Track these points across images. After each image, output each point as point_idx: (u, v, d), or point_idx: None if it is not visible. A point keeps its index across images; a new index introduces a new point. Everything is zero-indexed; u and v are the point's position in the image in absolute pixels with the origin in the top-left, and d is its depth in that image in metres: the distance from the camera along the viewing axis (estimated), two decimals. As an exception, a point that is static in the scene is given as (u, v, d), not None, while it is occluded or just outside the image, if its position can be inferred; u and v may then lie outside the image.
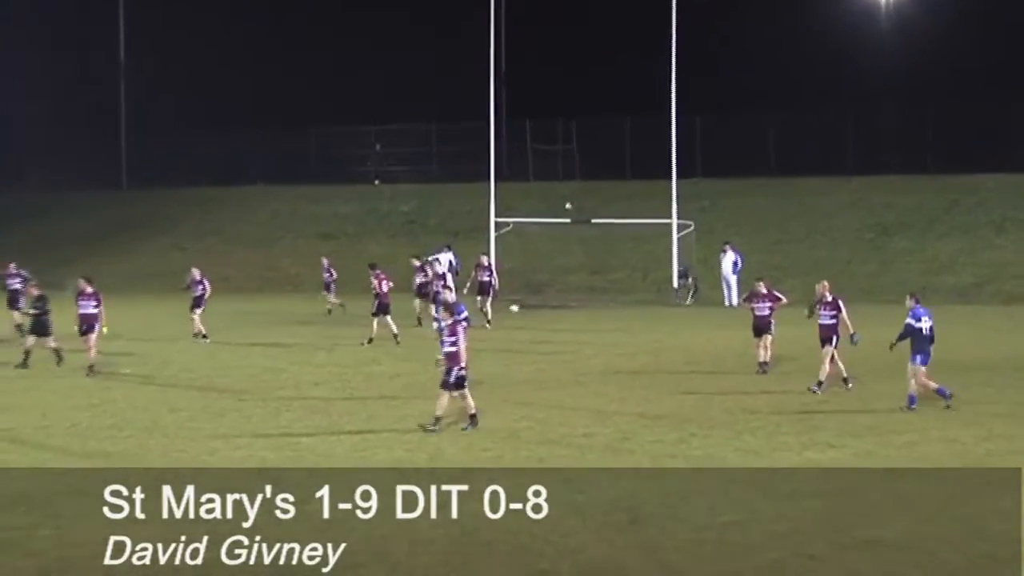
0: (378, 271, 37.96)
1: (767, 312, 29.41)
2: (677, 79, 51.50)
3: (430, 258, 48.42)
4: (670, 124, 51.92)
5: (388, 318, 36.47)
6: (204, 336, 37.36)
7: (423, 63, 69.64)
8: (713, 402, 25.63)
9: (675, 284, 51.48)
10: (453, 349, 22.14)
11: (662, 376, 29.74)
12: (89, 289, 30.88)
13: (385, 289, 36.97)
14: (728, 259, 50.32)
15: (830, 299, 26.91)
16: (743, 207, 59.80)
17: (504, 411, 24.51)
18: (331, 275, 46.55)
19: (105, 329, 31.08)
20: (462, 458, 19.89)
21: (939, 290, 50.54)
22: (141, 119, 73.70)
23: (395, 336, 36.15)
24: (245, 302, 51.15)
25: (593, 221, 56.51)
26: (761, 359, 29.55)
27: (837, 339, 26.63)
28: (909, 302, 24.89)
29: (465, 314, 25.64)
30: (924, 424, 22.96)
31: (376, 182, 69.96)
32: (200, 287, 37.88)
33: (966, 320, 42.60)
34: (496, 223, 54.19)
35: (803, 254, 55.18)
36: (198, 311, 37.67)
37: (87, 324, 30.53)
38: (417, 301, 40.94)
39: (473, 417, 22.22)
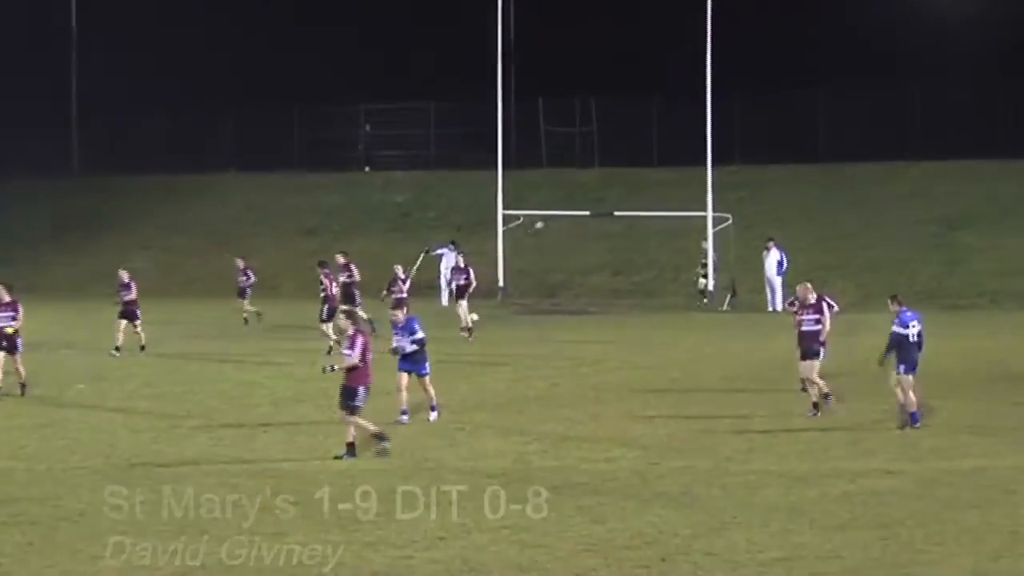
0: (327, 270, 38.14)
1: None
2: (713, 52, 51.53)
3: (434, 252, 48.27)
4: (705, 103, 51.99)
5: (328, 325, 36.47)
6: (117, 349, 36.81)
7: (420, 33, 69.60)
8: (753, 422, 25.64)
9: (709, 285, 51.48)
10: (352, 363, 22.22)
11: (695, 393, 29.77)
12: (7, 297, 30.09)
13: (335, 291, 37.31)
14: (772, 258, 50.32)
15: (813, 301, 27.00)
16: (788, 198, 59.79)
17: (512, 433, 24.53)
18: (247, 278, 46.62)
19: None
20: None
21: (1013, 293, 50.53)
22: (95, 96, 73.35)
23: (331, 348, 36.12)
24: (216, 307, 51.12)
25: (616, 214, 56.58)
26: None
27: (824, 350, 26.70)
28: (892, 306, 25.37)
29: (419, 335, 25.41)
30: (994, 448, 22.99)
31: (366, 169, 70.06)
32: (126, 292, 37.50)
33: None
34: (504, 216, 54.23)
35: (856, 252, 55.16)
36: (138, 322, 37.32)
37: (6, 339, 29.75)
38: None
39: (351, 446, 22.15)
